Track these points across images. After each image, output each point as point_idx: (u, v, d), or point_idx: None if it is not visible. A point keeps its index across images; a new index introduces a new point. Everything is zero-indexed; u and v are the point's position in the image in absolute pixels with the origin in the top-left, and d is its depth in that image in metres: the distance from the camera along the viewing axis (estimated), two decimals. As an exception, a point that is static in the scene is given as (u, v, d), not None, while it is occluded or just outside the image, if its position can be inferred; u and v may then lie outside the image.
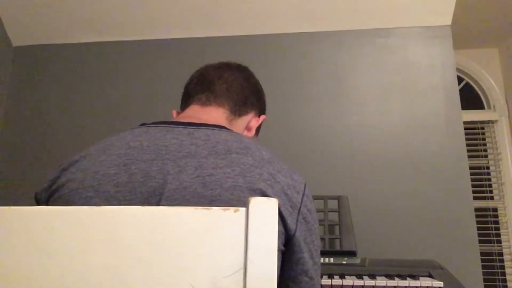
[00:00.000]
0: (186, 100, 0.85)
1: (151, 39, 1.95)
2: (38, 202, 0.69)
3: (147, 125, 0.72)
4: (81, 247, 0.48)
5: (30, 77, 2.00)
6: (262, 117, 0.89)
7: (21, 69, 2.01)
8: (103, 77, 1.94)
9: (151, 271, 0.47)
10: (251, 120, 0.86)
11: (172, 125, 0.71)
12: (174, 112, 0.88)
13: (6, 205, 0.50)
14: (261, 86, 0.91)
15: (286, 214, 0.63)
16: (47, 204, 0.68)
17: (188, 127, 0.70)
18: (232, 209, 0.48)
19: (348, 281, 1.12)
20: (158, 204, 0.60)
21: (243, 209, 0.48)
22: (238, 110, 0.83)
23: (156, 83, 1.90)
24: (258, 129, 0.90)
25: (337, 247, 1.43)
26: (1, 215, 0.49)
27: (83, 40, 1.99)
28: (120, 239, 0.48)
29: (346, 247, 1.34)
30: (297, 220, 0.64)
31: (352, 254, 1.33)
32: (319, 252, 0.71)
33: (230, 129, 0.73)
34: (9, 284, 0.47)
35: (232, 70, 0.88)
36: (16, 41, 2.04)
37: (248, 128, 0.85)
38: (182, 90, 2.00)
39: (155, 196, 0.61)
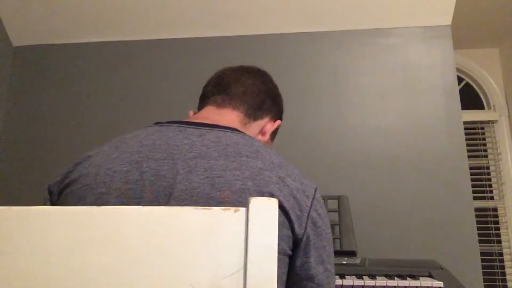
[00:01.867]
0: (203, 101, 0.86)
1: (151, 39, 1.95)
2: (50, 195, 0.69)
3: (161, 124, 0.73)
4: (81, 247, 0.48)
5: (30, 77, 2.00)
6: (278, 122, 0.88)
7: (21, 69, 2.01)
8: (103, 77, 1.94)
9: (151, 271, 0.47)
10: (266, 124, 0.85)
11: (185, 125, 0.71)
12: (191, 113, 0.87)
13: (6, 205, 0.50)
14: (278, 91, 0.90)
15: (294, 218, 0.62)
16: (59, 198, 0.68)
17: (201, 128, 0.70)
18: (232, 209, 0.48)
19: (348, 281, 1.12)
20: (167, 203, 0.60)
21: (243, 209, 0.48)
22: (253, 114, 0.83)
23: (156, 83, 1.90)
24: (273, 134, 0.90)
25: (337, 247, 1.43)
26: (1, 215, 0.49)
27: (83, 40, 1.99)
28: (120, 239, 0.48)
29: (346, 247, 1.34)
30: (306, 224, 0.64)
31: (352, 254, 1.33)
32: (331, 258, 0.69)
33: (242, 132, 0.72)
34: (9, 284, 0.47)
35: (250, 74, 0.87)
36: (16, 41, 2.04)
37: (262, 133, 0.85)
38: (182, 89, 2.00)
39: (164, 195, 0.61)
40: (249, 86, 0.84)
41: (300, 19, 1.84)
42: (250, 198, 0.48)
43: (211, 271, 0.47)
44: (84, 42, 1.99)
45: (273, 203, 0.48)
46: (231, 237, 0.47)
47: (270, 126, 0.86)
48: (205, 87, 0.88)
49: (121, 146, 0.68)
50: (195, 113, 0.86)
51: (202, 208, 0.49)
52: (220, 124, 0.74)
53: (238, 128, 0.77)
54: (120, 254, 0.48)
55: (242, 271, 0.46)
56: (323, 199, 1.45)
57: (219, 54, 1.89)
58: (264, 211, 0.47)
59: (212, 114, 0.80)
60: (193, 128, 0.70)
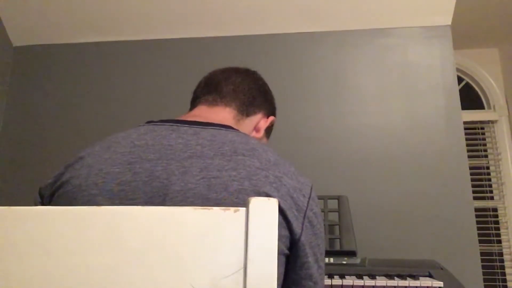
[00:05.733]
0: (194, 102, 0.85)
1: (151, 39, 1.95)
2: (42, 198, 0.69)
3: (153, 123, 0.72)
4: (81, 247, 0.48)
5: (30, 77, 2.00)
6: (271, 118, 0.88)
7: (21, 69, 2.01)
8: (103, 77, 1.94)
9: (151, 271, 0.47)
10: (260, 121, 0.85)
11: (177, 124, 0.70)
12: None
13: (6, 205, 0.50)
14: (269, 88, 0.91)
15: (291, 217, 0.62)
16: (50, 200, 0.67)
17: (194, 126, 0.70)
18: (232, 209, 0.48)
19: (348, 281, 1.12)
20: (162, 204, 0.60)
21: (243, 209, 0.48)
22: (245, 110, 0.82)
23: (155, 83, 1.90)
24: (268, 130, 0.90)
25: (337, 247, 1.43)
26: (1, 215, 0.49)
27: (83, 40, 1.99)
28: (120, 239, 0.48)
29: (346, 247, 1.34)
30: (302, 224, 0.64)
31: (352, 254, 1.33)
32: (324, 255, 0.70)
33: (236, 129, 0.72)
34: (9, 284, 0.47)
35: (240, 73, 0.87)
36: (16, 41, 2.04)
37: (256, 129, 0.85)
38: (182, 89, 2.00)
39: (159, 196, 0.60)
40: (239, 84, 0.84)
41: (300, 19, 1.84)
42: (250, 198, 0.48)
43: (211, 271, 0.47)
44: (84, 42, 1.99)
45: (273, 203, 0.48)
46: (231, 237, 0.47)
47: (263, 122, 0.86)
48: (195, 90, 0.88)
49: (112, 146, 0.67)
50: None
51: (202, 208, 0.49)
52: (214, 121, 0.73)
53: (232, 125, 0.77)
54: (120, 254, 0.48)
55: (242, 271, 0.46)
56: (323, 199, 1.46)
57: (218, 54, 1.89)
58: (264, 211, 0.47)
59: (205, 113, 0.79)
60: (186, 126, 0.69)
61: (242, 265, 0.46)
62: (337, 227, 1.51)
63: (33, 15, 1.94)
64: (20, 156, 1.89)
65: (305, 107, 1.78)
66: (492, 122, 2.65)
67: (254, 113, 0.84)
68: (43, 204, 0.69)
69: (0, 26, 1.97)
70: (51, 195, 0.67)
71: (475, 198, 2.45)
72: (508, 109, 2.62)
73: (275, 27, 1.87)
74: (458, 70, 2.66)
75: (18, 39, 2.03)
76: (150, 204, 0.60)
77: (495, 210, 2.55)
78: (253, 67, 0.93)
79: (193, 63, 1.89)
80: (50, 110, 1.93)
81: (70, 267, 0.47)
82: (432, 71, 1.74)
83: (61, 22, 1.95)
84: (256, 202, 0.47)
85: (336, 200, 1.47)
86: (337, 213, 1.43)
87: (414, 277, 1.15)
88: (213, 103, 0.81)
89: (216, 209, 0.49)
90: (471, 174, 1.68)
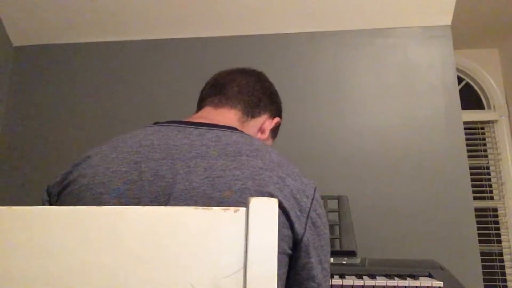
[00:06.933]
0: (200, 104, 0.87)
1: (151, 39, 1.95)
2: (50, 196, 0.69)
3: (160, 124, 0.73)
4: (81, 247, 0.48)
5: (30, 77, 2.00)
6: (276, 119, 0.89)
7: (21, 69, 2.01)
8: (103, 77, 1.94)
9: (151, 271, 0.47)
10: (265, 122, 0.86)
11: (183, 125, 0.71)
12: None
13: (6, 205, 0.50)
14: (275, 89, 0.91)
15: (294, 218, 0.62)
16: (58, 198, 0.68)
17: (199, 127, 0.71)
18: (232, 209, 0.48)
19: (348, 281, 1.12)
20: (166, 204, 0.60)
21: (243, 209, 0.48)
22: (250, 111, 0.83)
23: (156, 83, 1.90)
24: (274, 132, 0.90)
25: (337, 247, 1.43)
26: (1, 215, 0.49)
27: (83, 40, 1.99)
28: (120, 239, 0.48)
29: (346, 247, 1.34)
30: (305, 225, 0.64)
31: (352, 254, 1.33)
32: (328, 257, 0.70)
33: (241, 131, 0.73)
34: (9, 284, 0.47)
35: (245, 74, 0.88)
36: (16, 41, 2.04)
37: (261, 130, 0.86)
38: (182, 89, 2.00)
39: (164, 195, 0.61)
40: (244, 85, 0.85)
41: (300, 19, 1.84)
42: (250, 198, 0.48)
43: (211, 271, 0.47)
44: (84, 42, 1.99)
45: (273, 203, 0.48)
46: (231, 237, 0.47)
47: (268, 123, 0.87)
48: (202, 91, 0.89)
49: (119, 146, 0.68)
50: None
51: (202, 208, 0.49)
52: (219, 123, 0.74)
53: (237, 127, 0.78)
54: (120, 254, 0.48)
55: (242, 271, 0.46)
56: (323, 199, 1.46)
57: (218, 54, 1.89)
58: (264, 211, 0.47)
59: (210, 114, 0.80)
60: (192, 127, 0.71)
61: (242, 265, 0.46)
62: (337, 227, 1.51)
63: (33, 15, 1.94)
64: (20, 156, 1.89)
65: (305, 107, 1.78)
66: (492, 122, 2.65)
67: (259, 114, 0.85)
68: (50, 202, 0.69)
69: (0, 26, 1.97)
70: (59, 194, 0.68)
71: (475, 198, 2.45)
72: (508, 109, 2.62)
73: (275, 27, 1.87)
74: (458, 70, 2.66)
75: (18, 39, 2.03)
76: (155, 203, 0.61)
77: (495, 210, 2.55)
78: (253, 67, 0.93)
79: (193, 63, 1.89)
80: (50, 110, 1.93)
81: (70, 267, 0.47)
82: (432, 71, 1.74)
83: (61, 22, 1.95)
84: (256, 202, 0.47)
85: (336, 200, 1.47)
86: (337, 213, 1.43)
87: (414, 277, 1.15)
88: (218, 105, 0.82)
89: (216, 209, 0.49)
90: (471, 174, 1.68)
